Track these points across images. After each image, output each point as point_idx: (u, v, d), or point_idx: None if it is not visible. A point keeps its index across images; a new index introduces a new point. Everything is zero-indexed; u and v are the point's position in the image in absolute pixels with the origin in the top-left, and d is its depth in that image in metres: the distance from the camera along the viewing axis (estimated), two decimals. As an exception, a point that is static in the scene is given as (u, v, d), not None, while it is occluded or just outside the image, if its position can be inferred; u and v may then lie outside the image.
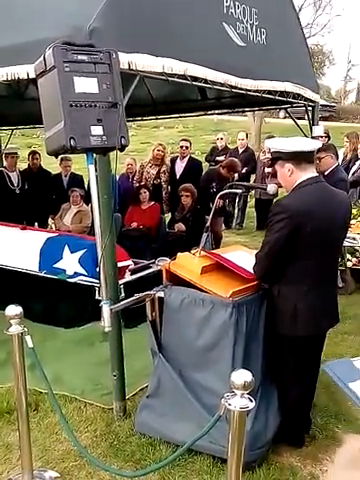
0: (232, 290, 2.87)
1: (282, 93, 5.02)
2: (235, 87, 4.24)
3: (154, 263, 4.87)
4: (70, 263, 5.02)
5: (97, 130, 2.49)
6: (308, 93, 5.53)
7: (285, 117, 21.28)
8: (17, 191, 7.76)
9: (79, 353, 4.52)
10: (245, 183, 7.60)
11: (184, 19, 3.60)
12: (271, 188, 3.45)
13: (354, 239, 5.97)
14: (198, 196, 7.08)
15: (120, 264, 4.07)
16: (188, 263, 3.14)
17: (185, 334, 3.03)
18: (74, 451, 3.12)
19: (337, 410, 3.58)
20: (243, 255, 3.30)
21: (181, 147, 8.30)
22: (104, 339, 4.23)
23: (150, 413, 3.24)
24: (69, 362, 4.30)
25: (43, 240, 5.33)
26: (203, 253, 3.20)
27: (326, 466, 3.04)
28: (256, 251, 3.10)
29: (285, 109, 6.23)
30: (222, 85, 4.09)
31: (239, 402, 1.96)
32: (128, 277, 4.83)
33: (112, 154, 2.78)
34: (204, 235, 3.29)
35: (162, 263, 3.32)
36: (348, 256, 6.02)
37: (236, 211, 10.26)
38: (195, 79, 3.75)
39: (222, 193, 3.59)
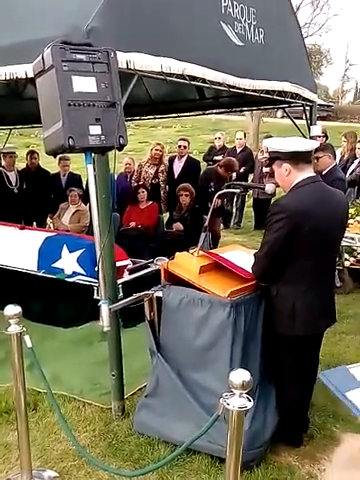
0: (230, 290, 2.87)
1: (280, 93, 5.03)
2: (233, 87, 4.24)
3: (152, 263, 4.88)
4: (68, 263, 5.01)
5: (95, 129, 2.49)
6: (306, 93, 5.53)
7: (283, 117, 21.34)
8: (15, 191, 7.74)
9: (78, 353, 4.52)
10: (243, 183, 7.58)
11: (182, 19, 3.60)
12: (269, 188, 3.45)
13: (352, 239, 5.98)
14: (196, 195, 7.08)
15: (118, 264, 4.06)
16: (186, 263, 3.14)
17: (183, 334, 3.04)
18: (73, 451, 3.12)
19: (335, 409, 3.59)
20: (241, 255, 3.30)
21: (179, 146, 8.29)
22: (103, 339, 4.23)
23: (149, 413, 3.24)
24: (68, 362, 4.30)
25: (41, 240, 5.32)
26: (201, 253, 3.20)
27: (324, 465, 3.05)
28: (254, 251, 3.11)
29: (283, 109, 6.23)
30: (220, 85, 4.09)
31: (237, 402, 1.96)
32: (126, 277, 4.83)
33: (110, 153, 2.78)
34: (202, 235, 3.29)
35: (160, 263, 3.32)
36: (346, 255, 6.02)
37: (234, 211, 10.27)
38: (193, 79, 3.75)
39: (220, 193, 3.59)
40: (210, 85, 3.98)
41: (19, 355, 2.69)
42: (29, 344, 2.68)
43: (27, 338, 2.68)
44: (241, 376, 1.97)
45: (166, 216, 7.78)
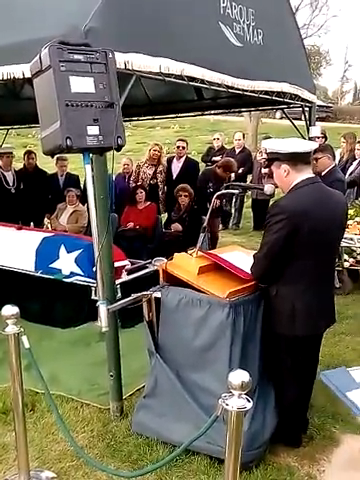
0: (229, 290, 2.86)
1: (279, 94, 5.03)
2: (232, 87, 4.24)
3: (151, 263, 4.87)
4: (66, 263, 5.00)
5: (93, 130, 2.48)
6: (305, 94, 5.53)
7: (282, 117, 21.32)
8: (13, 191, 7.73)
9: (76, 353, 4.52)
10: (242, 183, 7.59)
11: (181, 19, 3.60)
12: (268, 188, 3.45)
13: (351, 239, 5.98)
14: (195, 196, 7.08)
15: (117, 264, 4.05)
16: (185, 263, 3.13)
17: (182, 334, 3.03)
18: (71, 451, 3.11)
19: (334, 410, 3.58)
20: (240, 255, 3.30)
21: (177, 147, 8.29)
22: (101, 339, 4.23)
23: (147, 413, 3.23)
24: (66, 362, 4.29)
25: (39, 240, 5.31)
26: (200, 253, 3.19)
27: (323, 466, 3.04)
28: (253, 251, 3.10)
29: (282, 110, 6.23)
30: (219, 85, 4.08)
31: (236, 402, 1.96)
32: (125, 277, 4.82)
33: (108, 154, 2.77)
34: (201, 235, 3.29)
35: (159, 263, 3.31)
36: (345, 256, 6.02)
37: (233, 211, 10.27)
38: (192, 79, 3.75)
39: (219, 193, 3.58)
40: (209, 86, 3.97)
41: (17, 355, 2.69)
42: (27, 345, 2.67)
43: (25, 339, 2.67)
44: (240, 377, 1.96)
45: (164, 217, 7.77)
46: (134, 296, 3.14)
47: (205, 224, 3.36)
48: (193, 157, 9.68)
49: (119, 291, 3.83)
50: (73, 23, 2.86)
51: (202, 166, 9.10)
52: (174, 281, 3.08)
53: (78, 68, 2.46)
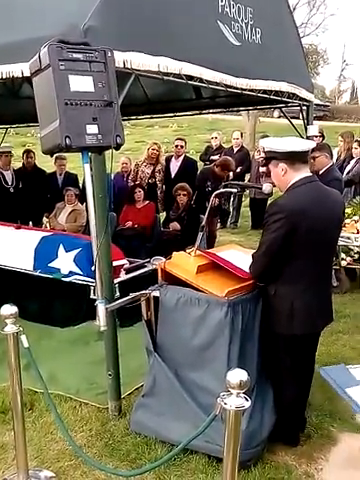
0: (227, 289, 2.87)
1: (277, 92, 5.03)
2: (230, 86, 4.24)
3: (149, 262, 4.87)
4: (65, 262, 4.99)
5: (92, 129, 2.48)
6: (303, 93, 5.53)
7: (280, 116, 21.33)
8: (11, 190, 7.73)
9: (74, 352, 4.52)
10: (241, 182, 7.60)
11: (179, 18, 3.60)
12: (266, 187, 3.45)
13: (349, 238, 5.98)
14: (194, 195, 7.08)
15: (115, 263, 4.05)
16: (183, 262, 3.13)
17: (180, 333, 3.03)
18: (69, 451, 3.11)
19: (332, 409, 3.59)
20: (238, 254, 3.30)
21: (176, 146, 8.29)
22: (99, 338, 4.22)
23: (145, 412, 3.23)
24: (64, 361, 4.29)
25: (38, 239, 5.30)
26: (198, 252, 3.20)
27: (321, 465, 3.05)
28: (251, 250, 3.11)
29: (280, 109, 6.23)
30: (217, 84, 4.09)
31: (235, 401, 1.96)
32: (123, 276, 4.81)
33: (107, 153, 2.77)
34: (200, 234, 3.29)
35: (157, 262, 3.31)
36: (342, 255, 6.03)
37: (231, 210, 10.28)
38: (190, 78, 3.75)
39: (217, 192, 3.58)
40: (207, 85, 3.98)
41: (16, 355, 2.69)
42: (26, 344, 2.67)
43: (24, 338, 2.67)
44: (238, 376, 1.97)
45: (163, 216, 7.77)
46: (133, 295, 3.14)
47: (203, 223, 3.36)
48: (191, 156, 9.68)
49: (117, 290, 3.83)
50: (72, 22, 2.86)
51: (200, 165, 9.11)
52: (173, 280, 3.09)
53: (77, 67, 2.46)
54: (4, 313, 2.65)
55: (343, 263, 6.05)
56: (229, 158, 7.60)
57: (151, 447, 3.14)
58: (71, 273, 4.93)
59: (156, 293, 3.13)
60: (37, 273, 5.09)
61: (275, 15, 5.04)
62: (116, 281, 3.85)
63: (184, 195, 7.00)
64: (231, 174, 8.01)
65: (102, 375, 3.58)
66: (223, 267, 3.04)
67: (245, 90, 4.48)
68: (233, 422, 1.96)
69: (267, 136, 8.15)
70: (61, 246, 5.06)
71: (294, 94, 5.37)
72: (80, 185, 7.70)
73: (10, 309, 2.66)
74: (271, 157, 2.96)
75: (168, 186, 7.77)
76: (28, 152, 8.39)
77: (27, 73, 2.75)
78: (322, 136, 8.18)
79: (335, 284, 5.76)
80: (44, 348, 4.46)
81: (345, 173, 7.37)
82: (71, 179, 8.08)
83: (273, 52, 4.87)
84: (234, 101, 6.23)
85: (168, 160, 8.26)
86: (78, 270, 4.90)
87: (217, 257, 3.13)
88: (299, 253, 2.83)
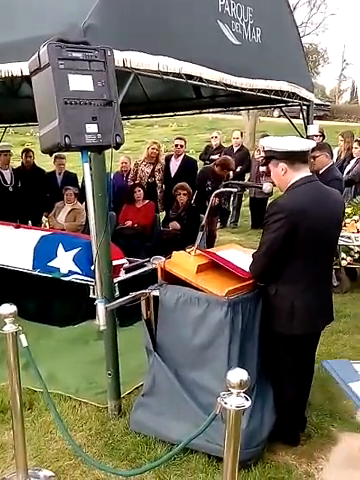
0: (228, 289, 2.86)
1: (277, 92, 5.03)
2: (230, 86, 4.23)
3: (149, 262, 4.87)
4: (64, 261, 4.99)
5: (92, 128, 2.48)
6: (303, 92, 5.53)
7: (279, 116, 21.35)
8: (10, 189, 7.73)
9: (74, 352, 4.51)
10: (241, 182, 7.60)
11: (179, 17, 3.59)
12: (267, 187, 3.45)
13: (349, 238, 5.98)
14: (194, 195, 7.08)
15: (115, 262, 4.05)
16: (183, 262, 3.13)
17: (180, 333, 3.03)
18: (69, 450, 3.11)
19: (332, 408, 3.59)
20: (238, 254, 3.30)
21: (176, 145, 8.29)
22: (99, 337, 4.22)
23: (145, 412, 3.23)
24: (63, 361, 4.29)
25: (37, 238, 5.30)
26: (198, 252, 3.19)
27: (321, 464, 3.04)
28: (251, 250, 3.10)
29: (280, 108, 6.23)
30: (217, 84, 4.08)
31: (235, 401, 1.96)
32: (123, 276, 4.81)
33: (107, 152, 2.77)
34: (199, 234, 3.29)
35: (157, 262, 3.31)
36: (343, 255, 6.03)
37: (231, 210, 10.27)
38: (190, 77, 3.75)
39: (218, 191, 3.58)
40: (207, 84, 3.98)
41: (15, 354, 2.68)
42: (25, 343, 2.67)
43: (23, 337, 2.67)
44: (239, 375, 1.96)
45: (162, 215, 7.77)
46: (132, 294, 3.14)
47: (203, 222, 3.35)
48: (191, 155, 9.68)
49: (117, 289, 3.83)
50: (72, 21, 2.86)
51: (200, 164, 9.10)
52: (172, 279, 3.08)
53: (77, 66, 2.45)
54: (3, 312, 2.64)
55: (343, 263, 6.04)
56: (229, 157, 7.60)
57: (151, 446, 3.13)
58: (70, 272, 4.92)
59: (156, 292, 3.12)
60: (36, 272, 5.08)
61: (275, 14, 5.04)
62: (116, 280, 3.85)
63: (184, 194, 6.99)
64: (231, 173, 8.01)
65: (102, 374, 3.58)
66: (223, 267, 3.04)
67: (245, 89, 4.48)
68: (233, 421, 1.96)
69: (267, 135, 8.14)
70: (60, 245, 5.05)
71: (294, 93, 5.37)
72: (79, 184, 7.70)
73: (9, 308, 2.65)
74: (271, 156, 2.95)
75: (168, 185, 7.77)
76: (27, 151, 8.39)
77: (26, 72, 2.74)
78: (322, 135, 8.18)
79: (335, 284, 5.76)
80: (43, 347, 4.45)
81: (345, 173, 7.38)
82: (70, 178, 8.08)
83: (273, 51, 4.86)
84: (234, 100, 6.23)
85: (168, 159, 8.26)
86: (77, 269, 4.89)
87: (217, 257, 3.12)
88: (299, 253, 2.82)
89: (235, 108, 7.49)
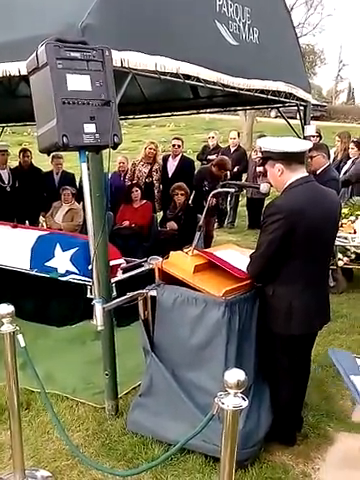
0: (225, 289, 2.86)
1: (274, 92, 5.03)
2: (227, 86, 4.23)
3: (146, 262, 4.87)
4: (62, 261, 4.99)
5: (90, 128, 2.48)
6: (300, 93, 5.54)
7: (276, 116, 21.38)
8: (8, 189, 7.70)
9: (71, 352, 4.51)
10: (238, 182, 7.59)
11: (177, 17, 3.59)
12: (264, 187, 3.45)
13: (345, 238, 5.99)
14: (192, 195, 7.08)
15: (112, 262, 4.05)
16: (181, 262, 3.13)
17: (178, 333, 3.03)
18: (66, 450, 3.11)
19: (329, 409, 3.60)
20: (235, 254, 3.30)
21: (173, 146, 8.28)
22: (96, 338, 4.22)
23: (142, 412, 3.23)
24: (61, 361, 4.28)
25: (34, 238, 5.30)
26: (196, 252, 3.19)
27: (318, 464, 3.05)
28: (248, 250, 3.11)
29: (277, 108, 6.24)
30: (215, 84, 4.08)
31: (232, 401, 1.96)
32: (120, 276, 4.81)
33: (105, 152, 2.76)
34: (197, 234, 3.29)
35: (154, 262, 3.31)
36: (339, 255, 6.03)
37: (228, 210, 10.28)
38: (188, 77, 3.75)
39: (215, 192, 3.58)
40: (204, 84, 3.98)
41: (12, 354, 2.68)
42: (22, 343, 2.67)
43: (20, 337, 2.67)
44: (236, 375, 1.97)
45: (160, 215, 7.77)
46: (130, 295, 3.14)
47: (201, 223, 3.35)
48: (188, 155, 9.67)
49: (114, 289, 3.83)
50: (70, 21, 2.86)
51: (197, 165, 9.11)
52: (170, 280, 3.08)
53: (75, 66, 2.45)
54: (1, 312, 2.64)
55: (340, 263, 6.05)
56: (225, 157, 7.62)
57: (148, 447, 3.14)
58: (68, 272, 4.93)
59: (153, 293, 3.12)
60: (34, 272, 5.09)
61: (273, 15, 5.04)
62: (113, 280, 3.85)
63: (181, 195, 6.99)
64: (228, 174, 8.02)
65: (99, 374, 3.57)
66: (220, 267, 3.04)
67: (242, 90, 4.48)
68: (230, 422, 1.96)
69: (264, 136, 8.16)
70: (58, 245, 5.05)
71: (291, 94, 5.37)
72: (77, 184, 7.69)
73: (6, 308, 2.65)
74: (268, 157, 2.96)
75: (165, 185, 7.76)
76: (25, 151, 8.37)
77: (24, 72, 2.75)
78: (319, 136, 8.19)
79: (332, 284, 5.78)
80: (41, 347, 4.45)
81: (342, 173, 7.38)
82: (68, 178, 8.07)
83: (270, 52, 4.86)
84: (231, 101, 6.23)
85: (165, 159, 8.25)
86: (75, 269, 4.89)
87: (214, 257, 3.12)
88: (297, 253, 2.83)
89: (232, 108, 7.49)
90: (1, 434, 3.30)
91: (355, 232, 6.08)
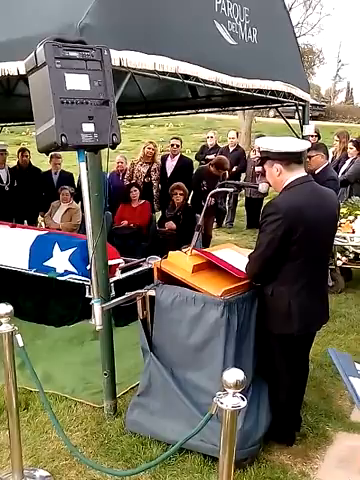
0: (223, 289, 2.86)
1: (273, 92, 5.03)
2: (226, 85, 4.23)
3: (145, 261, 4.87)
4: (60, 261, 4.99)
5: (88, 127, 2.47)
6: (299, 92, 5.54)
7: (275, 116, 21.40)
8: (6, 188, 7.70)
9: (69, 351, 4.51)
10: (237, 182, 7.60)
11: (176, 17, 3.59)
12: (262, 187, 3.45)
13: (344, 238, 5.99)
14: (189, 194, 7.08)
15: (111, 262, 4.05)
16: (179, 262, 3.13)
17: (176, 333, 3.03)
18: (64, 450, 3.11)
19: (327, 408, 3.60)
20: (234, 254, 3.30)
21: (172, 145, 8.28)
22: (94, 337, 4.22)
23: (141, 412, 3.23)
24: (59, 361, 4.28)
25: (33, 238, 5.29)
26: (194, 252, 3.19)
27: (317, 464, 3.05)
28: (246, 250, 3.10)
29: (276, 108, 6.24)
30: (213, 83, 4.08)
31: (231, 401, 1.96)
32: (119, 275, 4.81)
33: (103, 152, 2.76)
34: (196, 233, 3.29)
35: (153, 261, 3.31)
36: (338, 255, 6.04)
37: (227, 210, 10.27)
38: (186, 77, 3.75)
39: (214, 191, 3.58)
40: (203, 84, 3.98)
41: (10, 354, 2.68)
42: (21, 343, 2.66)
43: (19, 337, 2.66)
44: (235, 375, 1.97)
45: (158, 215, 7.77)
46: (128, 294, 3.14)
47: (199, 222, 3.35)
48: (187, 155, 9.67)
49: (113, 289, 3.82)
50: (68, 20, 2.86)
51: (196, 164, 9.10)
52: (168, 279, 3.08)
53: (73, 65, 2.44)
54: (-1, 312, 2.64)
55: (338, 263, 6.05)
56: (224, 157, 7.62)
57: (146, 446, 3.14)
58: (66, 272, 4.92)
59: (152, 292, 3.12)
60: (32, 272, 5.08)
61: (271, 15, 5.04)
62: (112, 280, 3.84)
63: (180, 194, 6.98)
64: (227, 173, 8.02)
65: (97, 374, 3.57)
66: (219, 267, 3.04)
67: (241, 89, 4.48)
68: (229, 422, 1.96)
69: (263, 135, 8.16)
70: (56, 245, 5.05)
71: (290, 94, 5.37)
72: (75, 184, 7.69)
73: (5, 308, 2.65)
74: (266, 157, 2.96)
75: (164, 185, 7.77)
76: (23, 150, 8.36)
77: (23, 71, 2.75)
78: (318, 136, 8.19)
79: (330, 284, 5.78)
80: (39, 347, 4.45)
81: (340, 173, 7.38)
82: (66, 178, 8.06)
83: (269, 52, 4.86)
84: (230, 100, 6.24)
85: (164, 159, 8.26)
86: (73, 269, 4.89)
87: (213, 257, 3.12)
88: (296, 253, 2.82)
89: (231, 108, 7.48)
90: (-1, 434, 3.30)
91: (354, 232, 6.08)
